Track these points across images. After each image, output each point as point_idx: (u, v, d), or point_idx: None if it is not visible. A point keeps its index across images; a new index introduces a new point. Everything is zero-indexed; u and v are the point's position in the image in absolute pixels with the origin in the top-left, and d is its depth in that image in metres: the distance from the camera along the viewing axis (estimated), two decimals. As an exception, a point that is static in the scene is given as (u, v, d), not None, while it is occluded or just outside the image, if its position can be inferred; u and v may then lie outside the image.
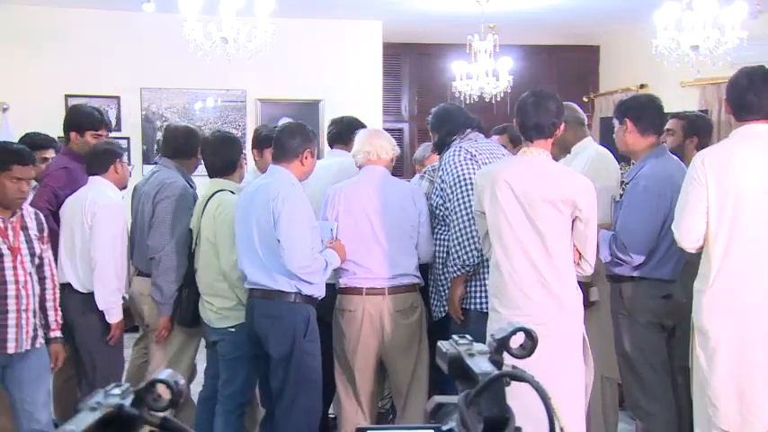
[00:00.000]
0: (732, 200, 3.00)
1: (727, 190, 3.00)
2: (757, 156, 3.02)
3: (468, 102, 7.17)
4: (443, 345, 0.99)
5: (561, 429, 0.86)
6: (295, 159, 3.53)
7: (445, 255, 3.71)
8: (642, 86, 7.96)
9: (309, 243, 3.40)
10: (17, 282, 3.28)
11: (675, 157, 3.70)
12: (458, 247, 3.57)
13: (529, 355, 0.96)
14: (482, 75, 7.37)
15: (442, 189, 3.71)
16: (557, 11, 7.61)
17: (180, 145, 4.09)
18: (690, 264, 3.43)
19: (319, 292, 3.52)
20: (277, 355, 3.48)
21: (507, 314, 3.04)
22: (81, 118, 4.23)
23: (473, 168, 3.61)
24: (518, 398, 0.98)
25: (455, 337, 1.00)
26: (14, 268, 3.28)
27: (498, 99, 7.55)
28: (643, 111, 3.55)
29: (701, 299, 3.08)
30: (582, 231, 3.13)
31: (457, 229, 3.58)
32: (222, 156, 3.80)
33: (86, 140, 4.14)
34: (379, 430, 0.98)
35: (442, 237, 3.74)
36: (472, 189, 3.55)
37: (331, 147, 4.39)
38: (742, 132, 3.09)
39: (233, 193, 3.75)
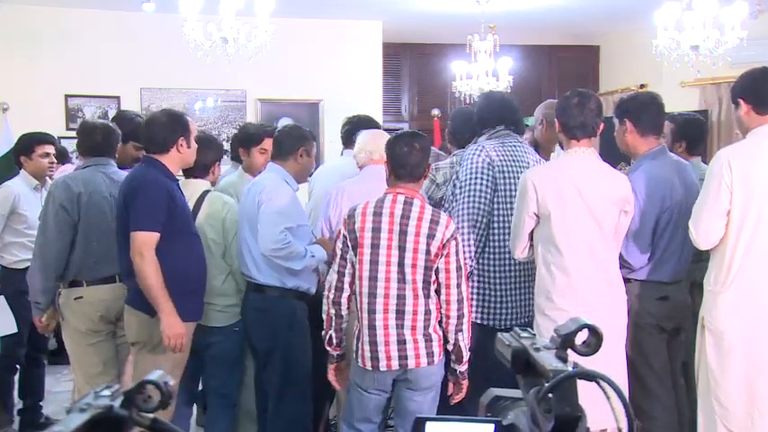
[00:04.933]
0: (757, 201, 2.95)
1: (752, 191, 2.96)
2: None
3: (468, 102, 7.16)
4: (505, 337, 0.97)
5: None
6: (290, 157, 3.64)
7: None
8: (642, 86, 7.95)
9: (279, 227, 3.41)
10: None
11: (676, 157, 3.65)
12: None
13: (594, 353, 0.93)
14: (482, 75, 7.36)
15: (454, 185, 3.68)
16: (557, 11, 7.61)
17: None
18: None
19: (307, 285, 3.57)
20: (261, 348, 3.57)
21: (575, 311, 3.05)
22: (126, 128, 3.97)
23: (487, 176, 3.54)
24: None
25: (517, 329, 0.98)
26: None
27: (498, 99, 7.53)
28: (643, 112, 3.48)
29: (717, 300, 3.04)
30: (624, 226, 3.24)
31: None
32: (201, 158, 3.66)
33: (127, 150, 4.01)
34: (440, 421, 0.96)
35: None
36: (478, 196, 3.52)
37: (345, 146, 4.36)
38: (763, 132, 3.03)
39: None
